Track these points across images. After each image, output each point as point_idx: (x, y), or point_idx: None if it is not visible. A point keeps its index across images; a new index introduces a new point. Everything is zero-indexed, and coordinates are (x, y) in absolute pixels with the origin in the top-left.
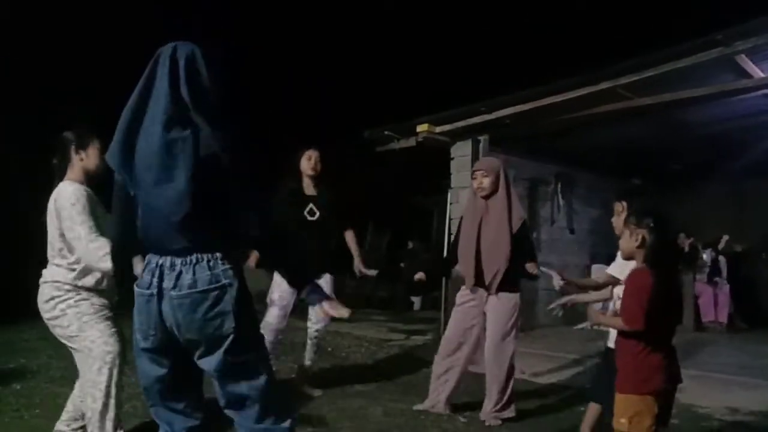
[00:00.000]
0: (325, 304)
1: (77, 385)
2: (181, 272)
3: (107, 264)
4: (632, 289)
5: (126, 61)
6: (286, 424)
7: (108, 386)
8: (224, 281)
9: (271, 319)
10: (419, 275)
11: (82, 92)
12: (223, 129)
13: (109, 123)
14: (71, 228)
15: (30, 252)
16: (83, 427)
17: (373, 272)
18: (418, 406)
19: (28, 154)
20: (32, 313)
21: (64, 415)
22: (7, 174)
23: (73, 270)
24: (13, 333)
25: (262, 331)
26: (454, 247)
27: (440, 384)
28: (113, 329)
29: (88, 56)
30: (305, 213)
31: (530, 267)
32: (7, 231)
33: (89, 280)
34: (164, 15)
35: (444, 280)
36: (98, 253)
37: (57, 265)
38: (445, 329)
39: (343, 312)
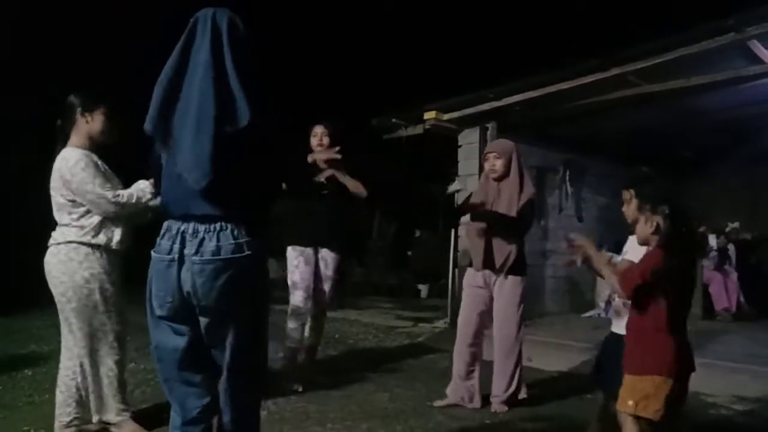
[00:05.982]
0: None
1: (62, 364)
2: (204, 239)
3: (121, 204)
4: (641, 262)
5: (131, 45)
6: (259, 411)
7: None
8: (247, 252)
9: (297, 302)
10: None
11: (87, 79)
12: (262, 95)
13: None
14: (89, 191)
15: (39, 243)
16: (79, 407)
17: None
18: (439, 402)
19: (34, 148)
20: (42, 302)
21: (59, 397)
22: (14, 169)
23: (84, 228)
24: (24, 321)
25: (289, 315)
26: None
27: (469, 377)
28: (117, 302)
29: (93, 39)
30: (316, 186)
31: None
32: (17, 224)
33: (101, 238)
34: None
35: (451, 268)
36: (119, 200)
37: (66, 225)
38: (452, 316)
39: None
